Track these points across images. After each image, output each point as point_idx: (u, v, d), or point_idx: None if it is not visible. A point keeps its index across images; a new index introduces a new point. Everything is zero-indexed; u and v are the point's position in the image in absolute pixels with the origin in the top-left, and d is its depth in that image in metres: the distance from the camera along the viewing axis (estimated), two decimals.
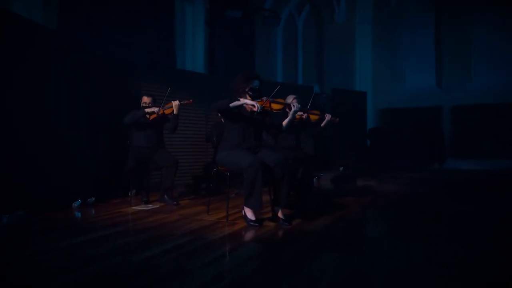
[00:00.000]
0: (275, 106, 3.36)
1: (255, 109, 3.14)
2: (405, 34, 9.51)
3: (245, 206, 3.16)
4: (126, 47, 5.68)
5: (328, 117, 4.78)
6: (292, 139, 4.75)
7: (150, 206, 4.04)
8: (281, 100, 3.43)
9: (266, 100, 3.28)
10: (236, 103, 3.13)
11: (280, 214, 3.21)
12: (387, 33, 9.67)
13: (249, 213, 3.17)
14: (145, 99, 4.30)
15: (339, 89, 7.87)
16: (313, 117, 4.78)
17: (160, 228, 3.05)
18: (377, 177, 6.60)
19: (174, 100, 4.21)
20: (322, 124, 4.76)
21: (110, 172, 4.54)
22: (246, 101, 3.17)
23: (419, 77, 9.29)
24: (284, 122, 3.45)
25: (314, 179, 5.25)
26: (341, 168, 7.50)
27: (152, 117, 4.21)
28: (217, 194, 5.02)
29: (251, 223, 3.12)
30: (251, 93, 3.29)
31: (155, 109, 4.18)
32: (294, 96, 4.29)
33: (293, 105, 3.36)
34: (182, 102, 4.24)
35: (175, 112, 4.20)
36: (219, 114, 3.41)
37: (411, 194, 5.31)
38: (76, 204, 3.90)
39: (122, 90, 4.76)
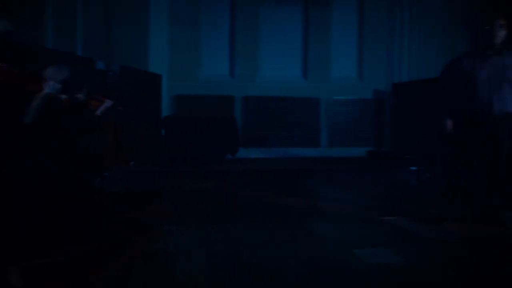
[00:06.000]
0: None
1: None
2: (204, 13, 8.78)
3: None
4: None
5: (108, 103, 3.61)
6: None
7: None
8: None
9: None
10: None
11: None
12: (185, 7, 8.56)
13: None
14: None
15: (130, 68, 6.55)
16: (93, 104, 3.52)
17: None
18: (178, 172, 5.83)
19: None
20: (98, 112, 3.60)
21: None
22: None
23: (216, 64, 8.96)
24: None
25: (97, 181, 3.97)
26: (132, 163, 6.32)
27: None
28: None
29: None
30: None
31: None
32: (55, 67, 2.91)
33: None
34: None
35: None
36: None
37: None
38: None
39: None
